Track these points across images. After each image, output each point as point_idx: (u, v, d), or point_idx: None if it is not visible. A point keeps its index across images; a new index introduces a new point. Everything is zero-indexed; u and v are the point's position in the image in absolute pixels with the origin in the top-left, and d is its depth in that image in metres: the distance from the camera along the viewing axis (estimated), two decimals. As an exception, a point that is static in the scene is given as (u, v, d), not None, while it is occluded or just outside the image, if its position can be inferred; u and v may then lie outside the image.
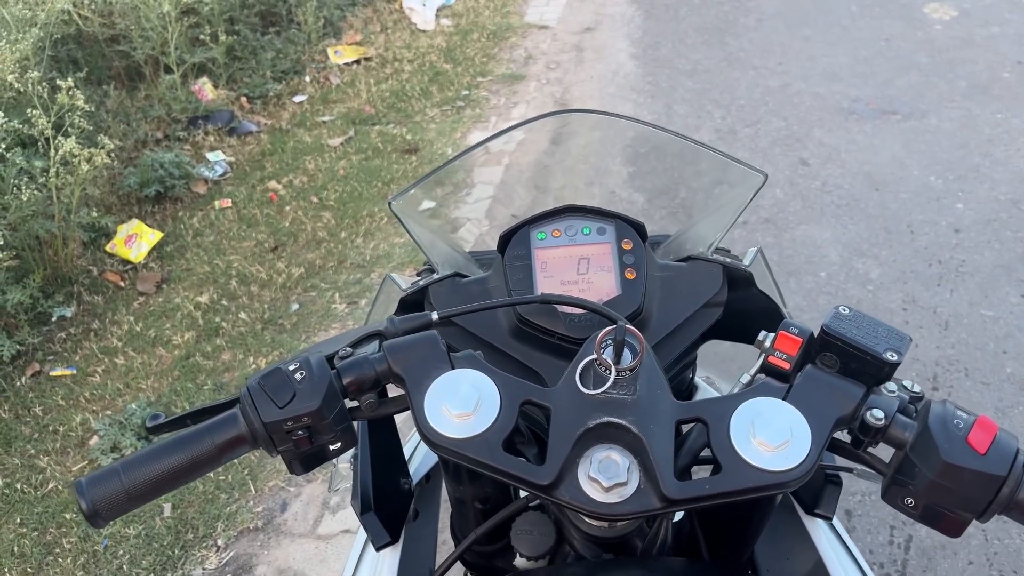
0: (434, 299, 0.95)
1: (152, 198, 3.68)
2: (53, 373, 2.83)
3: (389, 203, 1.00)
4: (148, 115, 4.23)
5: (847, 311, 0.70)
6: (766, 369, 0.72)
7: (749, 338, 0.92)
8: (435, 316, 0.82)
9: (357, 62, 5.06)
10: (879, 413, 0.66)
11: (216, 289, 3.17)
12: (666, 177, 3.55)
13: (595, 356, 0.68)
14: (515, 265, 0.92)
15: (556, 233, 0.94)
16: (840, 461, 0.89)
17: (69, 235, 3.15)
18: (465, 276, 0.98)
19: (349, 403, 0.75)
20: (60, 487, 2.43)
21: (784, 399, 0.68)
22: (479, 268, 1.04)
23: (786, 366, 0.71)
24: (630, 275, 0.90)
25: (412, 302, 0.98)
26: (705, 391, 1.17)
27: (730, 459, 0.64)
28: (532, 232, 0.94)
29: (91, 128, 3.18)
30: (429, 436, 0.68)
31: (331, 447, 0.74)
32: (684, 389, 1.08)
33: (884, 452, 0.69)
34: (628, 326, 0.69)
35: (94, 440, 2.55)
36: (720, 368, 1.29)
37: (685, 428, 0.75)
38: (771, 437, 0.64)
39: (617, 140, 3.44)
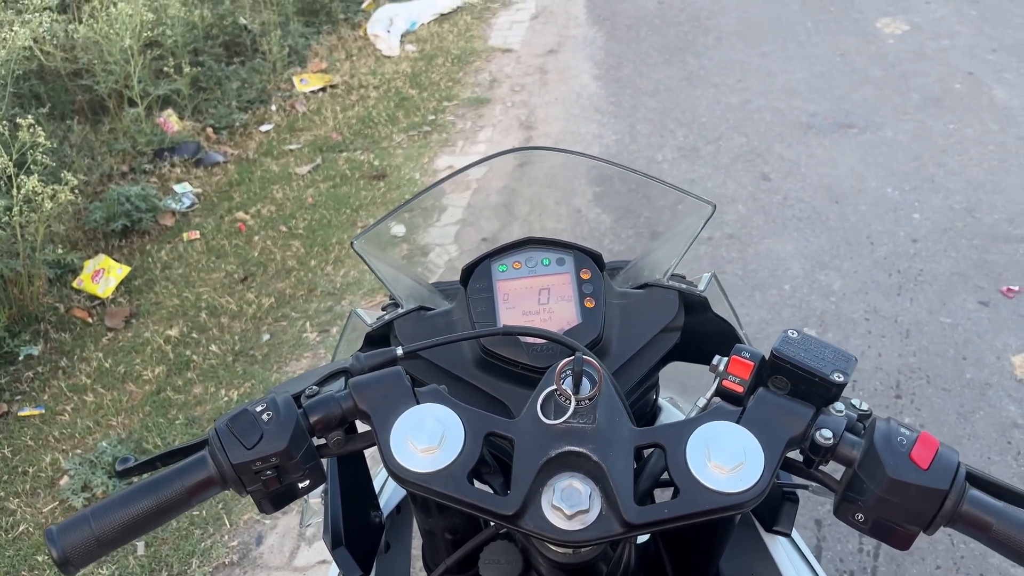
0: (399, 333, 0.98)
1: (119, 232, 3.67)
2: (21, 413, 2.80)
3: (352, 243, 1.03)
4: (113, 149, 4.21)
5: (795, 335, 0.73)
6: (721, 392, 0.75)
7: (708, 359, 0.95)
8: (400, 351, 0.84)
9: (323, 90, 5.08)
10: (827, 433, 0.69)
11: (186, 322, 3.16)
12: (630, 197, 3.61)
13: (555, 387, 0.71)
14: (478, 297, 0.95)
15: (517, 265, 0.97)
16: (796, 479, 0.92)
17: (34, 272, 3.13)
18: (430, 309, 1.00)
19: (317, 441, 0.77)
20: (31, 529, 2.40)
21: (738, 422, 0.70)
22: (444, 299, 1.07)
23: (739, 389, 0.74)
24: (589, 304, 0.93)
25: (378, 337, 1.00)
26: (668, 412, 1.21)
27: (687, 482, 0.67)
28: (493, 265, 0.98)
29: (54, 164, 3.17)
30: (395, 471, 0.70)
31: (300, 485, 0.76)
32: (648, 411, 1.12)
33: (836, 470, 0.72)
34: (586, 356, 0.72)
35: (64, 480, 2.52)
36: (684, 387, 1.32)
37: (646, 451, 0.78)
38: (726, 460, 0.67)
39: (581, 165, 3.49)
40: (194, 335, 3.09)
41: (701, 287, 1.03)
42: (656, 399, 1.15)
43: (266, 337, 3.07)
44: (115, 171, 4.10)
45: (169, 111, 4.52)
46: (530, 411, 0.72)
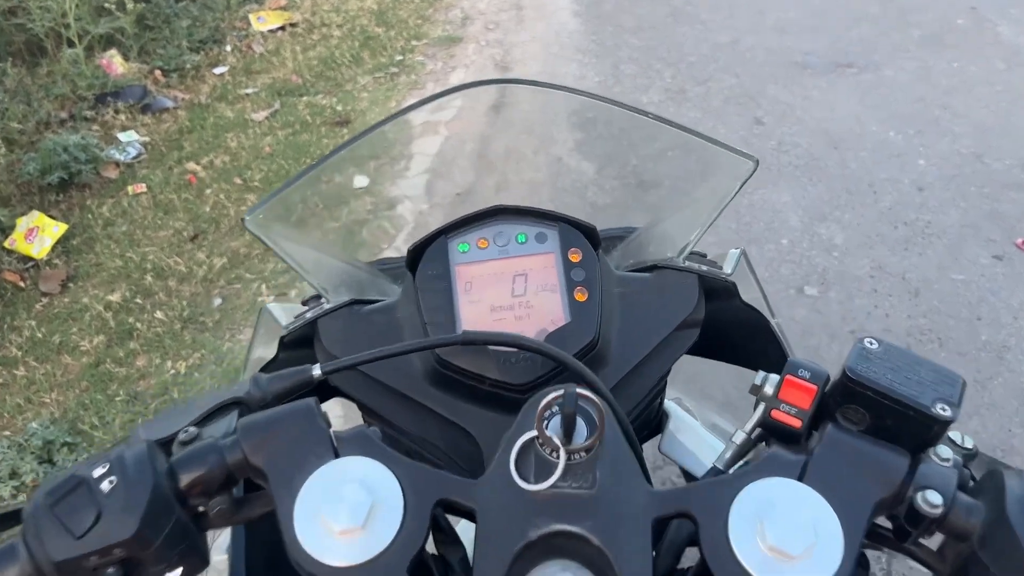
0: (325, 337, 0.74)
1: (56, 186, 3.34)
2: (-56, 390, 2.53)
3: (243, 219, 0.76)
4: (50, 93, 3.86)
5: (875, 345, 0.51)
6: (768, 426, 0.54)
7: (729, 356, 0.79)
8: (317, 372, 0.61)
9: (282, 28, 4.72)
10: (935, 497, 0.47)
11: (129, 286, 2.88)
12: (615, 143, 3.34)
13: (536, 434, 0.48)
14: (430, 287, 0.71)
15: (482, 243, 0.73)
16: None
17: (-43, 232, 2.83)
18: (368, 301, 0.75)
19: (195, 507, 0.53)
20: (-48, 522, 2.15)
21: (800, 479, 0.49)
22: (392, 283, 0.82)
23: (796, 423, 0.53)
24: (580, 296, 0.70)
25: (297, 342, 0.75)
26: (677, 418, 0.97)
27: (732, 574, 0.46)
28: (451, 243, 0.73)
29: (-25, 111, 2.85)
30: (303, 565, 0.47)
31: None
32: (654, 418, 0.89)
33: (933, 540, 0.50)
34: (581, 390, 0.48)
35: (-9, 466, 2.27)
36: (692, 379, 1.09)
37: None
38: (788, 542, 0.46)
39: (562, 107, 3.22)
40: (138, 300, 2.82)
41: (728, 269, 0.79)
42: (661, 403, 0.92)
43: (218, 302, 2.80)
44: (53, 118, 3.75)
45: (113, 52, 4.15)
46: (500, 469, 0.50)
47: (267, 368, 0.75)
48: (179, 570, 0.52)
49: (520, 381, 0.66)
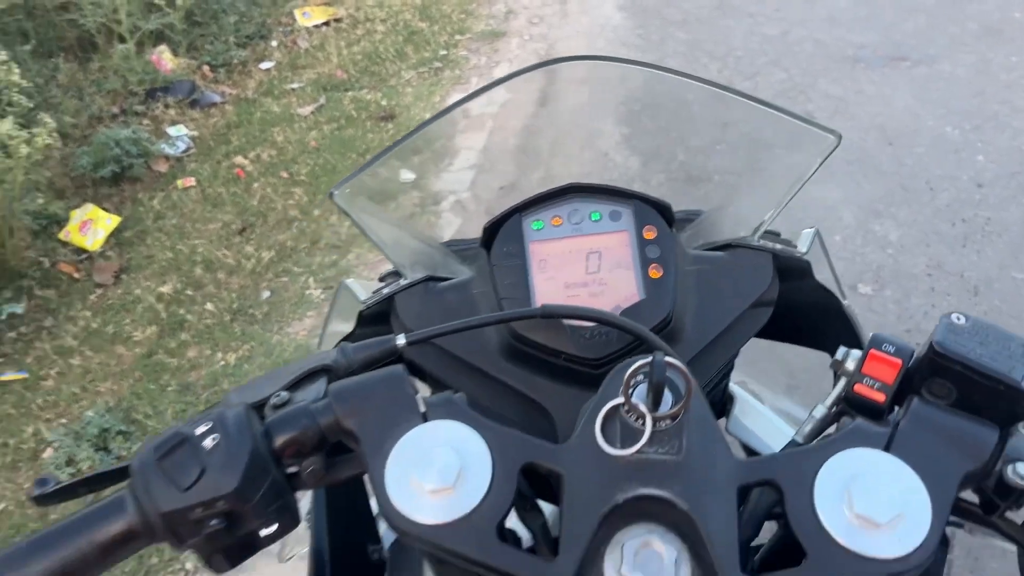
0: (402, 312, 0.75)
1: (108, 179, 3.40)
2: (2, 378, 2.58)
3: (331, 194, 0.77)
4: (102, 88, 3.93)
5: (963, 320, 0.52)
6: (850, 400, 0.55)
7: (801, 338, 0.79)
8: (401, 341, 0.61)
9: (327, 24, 4.75)
10: None
11: (180, 278, 2.92)
12: (662, 137, 3.31)
13: (622, 400, 0.49)
14: (505, 264, 0.72)
15: (556, 221, 0.74)
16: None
17: (15, 224, 2.88)
18: (442, 279, 0.76)
19: (288, 468, 0.54)
20: (11, 507, 2.20)
21: (886, 449, 0.49)
22: (461, 263, 0.82)
23: (880, 398, 0.53)
24: (655, 273, 0.70)
25: (374, 316, 0.77)
26: (743, 401, 0.96)
27: (818, 542, 0.46)
28: (525, 221, 0.74)
29: (31, 106, 2.90)
30: (394, 521, 0.49)
31: (263, 533, 0.53)
32: (719, 401, 0.90)
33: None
34: (670, 359, 0.48)
35: (48, 453, 2.32)
36: (755, 364, 1.08)
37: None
38: (877, 510, 0.46)
39: (609, 100, 3.19)
40: (188, 292, 2.85)
41: (802, 248, 0.79)
42: (727, 386, 0.91)
43: (266, 294, 2.83)
44: (105, 113, 3.82)
45: (162, 47, 4.21)
46: (586, 434, 0.50)
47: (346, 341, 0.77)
48: (274, 527, 0.53)
49: (595, 356, 0.66)
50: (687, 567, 0.47)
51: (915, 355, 0.53)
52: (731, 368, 0.83)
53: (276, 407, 0.55)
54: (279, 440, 0.53)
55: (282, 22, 4.74)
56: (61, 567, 0.50)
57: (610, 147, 3.31)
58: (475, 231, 0.78)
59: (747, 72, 3.87)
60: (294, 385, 0.59)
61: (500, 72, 4.17)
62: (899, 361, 0.53)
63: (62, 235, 3.10)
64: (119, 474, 0.55)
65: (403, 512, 0.49)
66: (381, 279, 0.84)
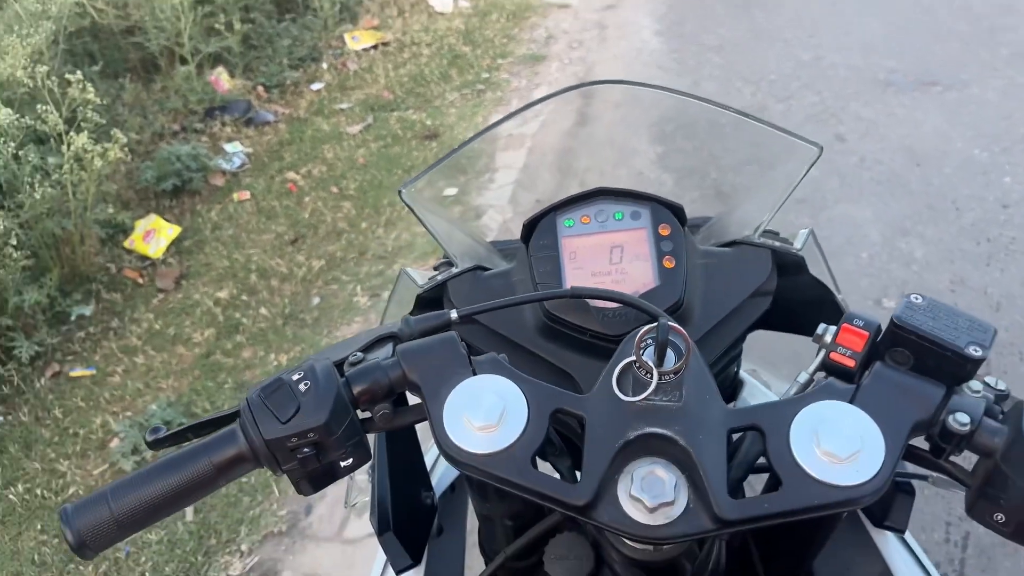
0: (453, 295, 0.87)
1: (170, 192, 3.62)
2: (73, 374, 2.78)
3: (399, 192, 0.91)
4: (164, 107, 4.17)
5: (920, 299, 0.62)
6: (827, 367, 0.65)
7: (800, 328, 0.85)
8: (454, 315, 0.74)
9: (375, 47, 4.96)
10: (963, 417, 0.58)
11: (236, 284, 3.10)
12: (695, 157, 3.42)
13: (634, 358, 0.60)
14: (541, 256, 0.84)
15: (585, 219, 0.85)
16: (913, 468, 0.79)
17: (86, 232, 3.09)
18: (487, 269, 0.89)
19: (361, 414, 0.67)
20: (81, 492, 2.38)
21: (851, 402, 0.59)
22: (502, 259, 0.95)
23: (850, 363, 0.63)
24: (669, 263, 0.81)
25: (429, 299, 0.90)
26: (751, 386, 1.08)
27: (792, 473, 0.57)
28: (559, 219, 0.86)
29: (104, 122, 3.12)
30: (449, 451, 0.61)
31: (342, 464, 0.66)
32: (728, 385, 1.00)
33: (967, 461, 0.61)
34: (671, 323, 0.60)
35: (115, 443, 2.49)
36: (764, 358, 1.19)
37: (735, 436, 0.67)
38: (839, 447, 0.56)
39: (643, 121, 3.32)
40: (244, 297, 3.03)
41: (798, 245, 0.89)
42: (737, 371, 1.02)
43: (316, 300, 3.00)
44: (166, 130, 4.05)
45: (220, 69, 4.45)
46: (604, 385, 0.62)
47: None
48: (350, 460, 0.66)
49: (616, 332, 0.77)
50: (684, 490, 0.58)
51: (880, 328, 0.63)
52: (739, 354, 0.94)
53: (353, 364, 0.68)
54: (356, 388, 0.65)
55: (332, 45, 4.96)
56: (185, 483, 0.63)
57: (644, 165, 3.44)
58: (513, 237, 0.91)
59: (780, 95, 3.98)
60: (367, 348, 0.72)
61: (540, 94, 4.33)
62: (867, 333, 0.63)
63: (127, 243, 3.31)
64: (220, 421, 0.68)
65: (458, 444, 0.60)
66: (435, 268, 0.98)
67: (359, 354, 0.69)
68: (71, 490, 2.38)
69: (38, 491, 2.37)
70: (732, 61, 4.36)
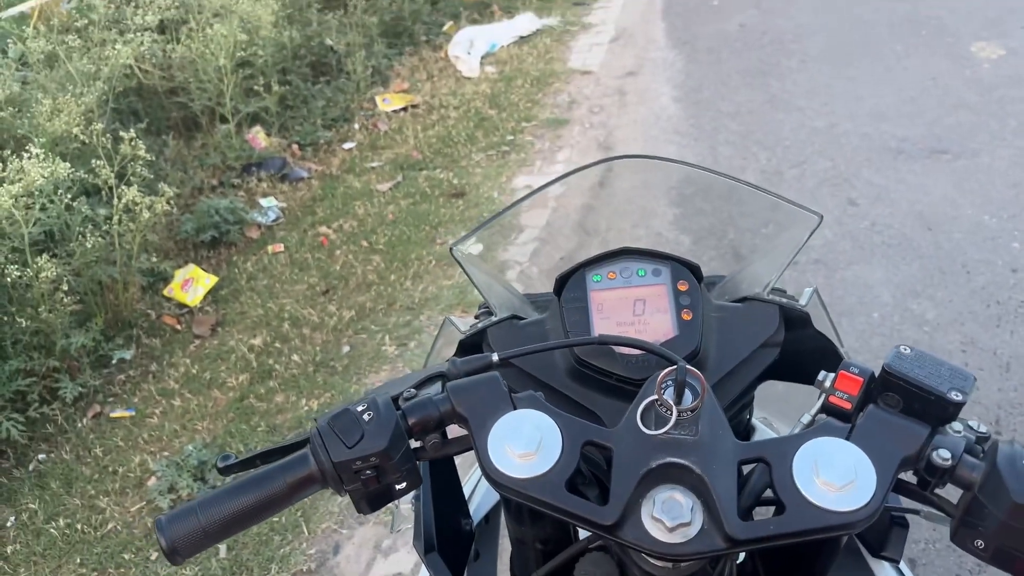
0: (492, 341, 0.97)
1: (208, 243, 3.79)
2: (113, 415, 2.90)
3: (451, 249, 1.03)
4: (204, 163, 4.37)
5: (908, 350, 0.70)
6: (827, 409, 0.73)
7: (807, 378, 0.92)
8: (496, 357, 0.83)
9: (404, 109, 5.17)
10: (946, 453, 0.66)
11: (269, 332, 3.23)
12: (713, 218, 3.55)
13: (656, 396, 0.69)
14: (572, 307, 0.94)
15: (612, 275, 0.95)
16: (906, 503, 0.88)
17: (129, 280, 3.25)
18: (522, 318, 1.00)
19: (414, 443, 0.77)
20: (119, 527, 2.47)
21: (847, 439, 0.68)
22: (535, 310, 1.06)
23: (847, 406, 0.71)
24: (686, 316, 0.91)
25: (470, 344, 1.00)
26: (763, 432, 1.17)
27: (794, 499, 0.65)
28: (588, 274, 0.96)
29: (151, 177, 3.30)
30: (493, 476, 0.70)
31: (397, 487, 0.76)
32: (742, 430, 1.09)
33: (951, 494, 0.69)
34: (688, 367, 0.70)
35: (152, 481, 2.59)
36: (777, 409, 1.28)
37: (747, 469, 0.76)
38: (835, 477, 0.64)
39: (661, 183, 3.46)
40: (277, 345, 3.16)
41: (803, 302, 0.99)
42: (750, 418, 1.12)
43: (346, 349, 3.12)
44: (206, 184, 4.24)
45: (258, 128, 4.66)
46: (629, 421, 0.71)
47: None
48: (404, 484, 0.76)
49: (638, 376, 0.85)
50: (700, 513, 0.66)
51: (873, 375, 0.71)
52: (751, 402, 1.04)
53: (408, 399, 0.78)
54: (411, 420, 0.75)
55: (364, 107, 5.19)
56: (262, 500, 0.74)
57: (663, 227, 3.57)
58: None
59: (794, 161, 4.12)
60: (420, 384, 0.82)
61: (563, 156, 4.50)
62: (861, 379, 0.71)
63: (166, 291, 3.47)
64: (288, 449, 0.78)
65: (500, 469, 0.69)
66: (476, 316, 1.09)
67: (412, 390, 0.79)
68: (109, 526, 2.47)
69: (78, 526, 2.47)
70: (748, 127, 4.52)
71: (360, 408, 0.74)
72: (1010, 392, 2.55)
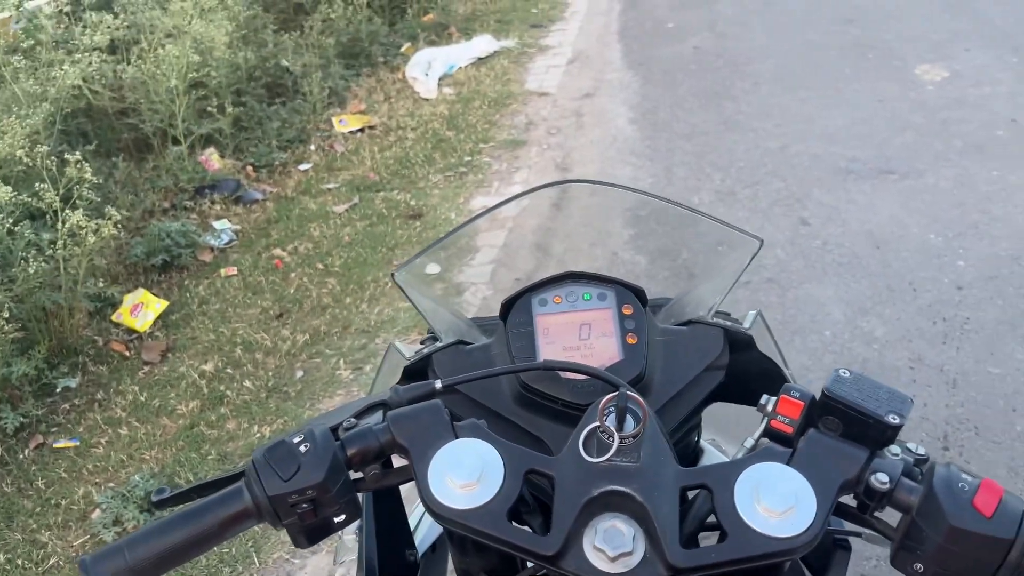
0: (438, 367, 0.96)
1: (158, 267, 3.71)
2: (56, 445, 2.81)
3: (392, 275, 1.01)
4: (156, 185, 4.29)
5: (847, 374, 0.71)
6: (769, 433, 0.73)
7: (752, 400, 0.92)
8: (439, 385, 0.82)
9: (361, 130, 5.15)
10: (884, 477, 0.66)
11: (221, 357, 3.17)
12: (667, 239, 3.58)
13: (598, 423, 0.68)
14: (517, 332, 0.93)
15: (557, 299, 0.94)
16: (848, 526, 0.88)
17: (75, 306, 3.17)
18: (468, 343, 0.98)
19: (354, 474, 0.75)
20: (61, 562, 2.39)
21: (788, 463, 0.68)
22: (482, 334, 1.05)
23: (788, 430, 0.71)
24: (631, 340, 0.90)
25: (416, 370, 0.98)
26: (711, 454, 1.17)
27: (735, 526, 0.65)
28: (533, 299, 0.95)
29: (99, 200, 3.23)
30: (433, 507, 0.68)
31: (336, 519, 0.74)
32: (690, 453, 1.08)
33: (892, 517, 0.69)
34: (630, 392, 0.69)
35: (96, 513, 2.52)
36: (725, 430, 1.29)
37: (691, 494, 0.76)
38: (776, 503, 0.64)
39: (617, 205, 3.49)
40: (229, 370, 3.10)
41: (747, 325, 1.00)
42: (698, 440, 1.12)
43: (300, 374, 3.07)
44: (157, 207, 4.17)
45: (211, 149, 4.61)
46: (571, 448, 0.70)
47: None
48: (343, 516, 0.74)
49: (584, 401, 0.83)
50: (642, 541, 0.65)
51: (814, 399, 0.72)
52: (698, 424, 1.04)
53: (347, 428, 0.76)
54: (350, 450, 0.73)
55: (320, 128, 5.15)
56: (194, 536, 0.71)
57: (618, 246, 3.59)
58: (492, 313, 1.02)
59: (747, 181, 4.18)
60: (360, 414, 0.80)
61: (520, 177, 4.52)
62: (802, 403, 0.71)
63: (115, 317, 3.39)
64: (223, 482, 0.76)
65: (441, 501, 0.68)
66: (421, 342, 1.08)
67: (352, 420, 0.77)
68: (51, 560, 2.39)
69: (19, 561, 2.38)
70: (702, 149, 4.58)
71: (297, 439, 0.72)
72: (957, 408, 2.60)
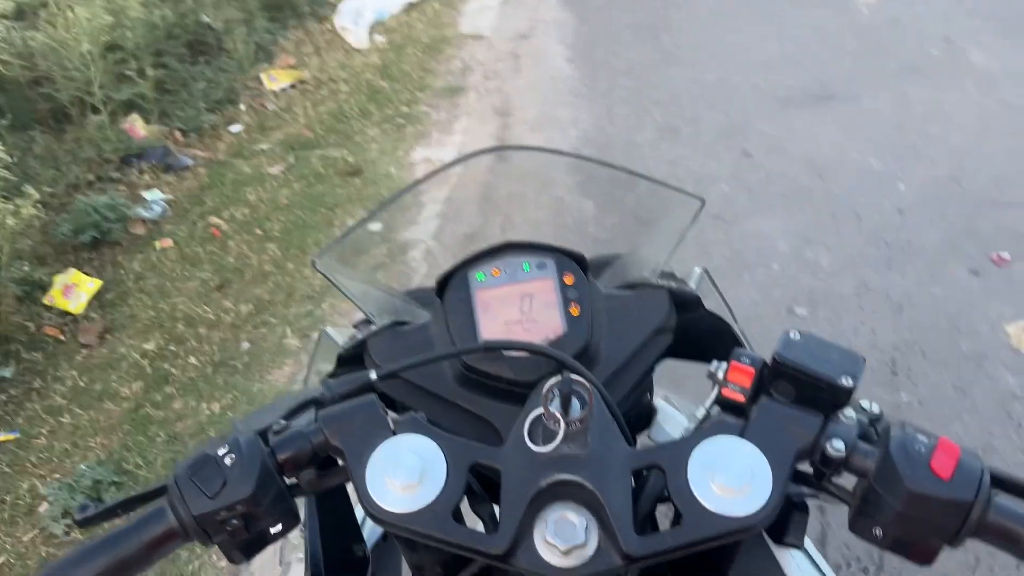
0: (374, 352, 0.91)
1: (88, 244, 3.55)
2: (-5, 439, 2.70)
3: (313, 262, 0.95)
4: (78, 157, 4.08)
5: (797, 336, 0.68)
6: (721, 402, 0.70)
7: (703, 356, 0.90)
8: (374, 376, 0.77)
9: (292, 86, 4.97)
10: (839, 444, 0.64)
11: (162, 334, 3.07)
12: (612, 184, 3.54)
13: (542, 410, 0.65)
14: (456, 309, 0.88)
15: (496, 272, 0.89)
16: (806, 490, 0.87)
17: (1, 291, 3.02)
18: (405, 323, 0.93)
19: (288, 480, 0.71)
20: (12, 560, 2.32)
21: (741, 435, 0.65)
22: (420, 307, 1.00)
23: (740, 398, 0.69)
24: (574, 311, 0.86)
25: (351, 357, 0.93)
26: (665, 412, 1.15)
27: (690, 507, 0.62)
28: (470, 273, 0.90)
29: (16, 178, 3.06)
30: (374, 512, 0.65)
31: (272, 530, 0.69)
32: (644, 414, 1.06)
33: (849, 480, 0.67)
34: (574, 376, 0.66)
35: (44, 507, 2.44)
36: (677, 383, 1.27)
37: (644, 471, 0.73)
38: (731, 480, 0.62)
39: (562, 148, 3.43)
40: (172, 347, 3.00)
41: (692, 284, 0.97)
42: (651, 398, 1.09)
43: (246, 346, 2.99)
44: (81, 181, 3.97)
45: (134, 116, 4.39)
46: (516, 438, 0.66)
47: (328, 378, 0.94)
48: (279, 526, 0.69)
49: (529, 379, 0.80)
50: (595, 532, 0.62)
51: (765, 364, 0.69)
52: (650, 385, 1.01)
53: (277, 432, 0.71)
54: (281, 457, 0.69)
55: (249, 86, 4.95)
56: (118, 563, 0.66)
57: (564, 193, 3.54)
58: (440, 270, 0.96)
59: (689, 116, 4.14)
60: (290, 415, 0.75)
61: (460, 125, 4.41)
62: (753, 369, 0.69)
63: (46, 300, 3.24)
64: (148, 496, 0.70)
65: (381, 505, 0.64)
66: (355, 326, 1.01)
67: (283, 422, 0.72)
68: (1, 558, 2.31)
69: (-35, 563, 2.30)
70: (642, 85, 4.52)
71: (221, 451, 0.66)
72: (904, 332, 2.64)
